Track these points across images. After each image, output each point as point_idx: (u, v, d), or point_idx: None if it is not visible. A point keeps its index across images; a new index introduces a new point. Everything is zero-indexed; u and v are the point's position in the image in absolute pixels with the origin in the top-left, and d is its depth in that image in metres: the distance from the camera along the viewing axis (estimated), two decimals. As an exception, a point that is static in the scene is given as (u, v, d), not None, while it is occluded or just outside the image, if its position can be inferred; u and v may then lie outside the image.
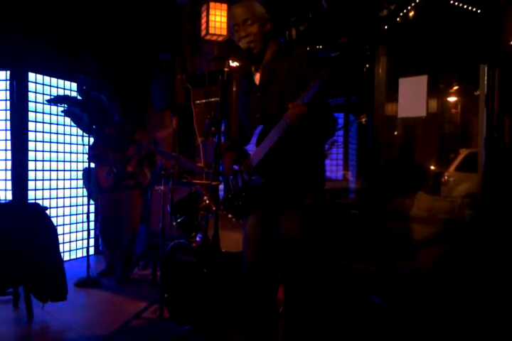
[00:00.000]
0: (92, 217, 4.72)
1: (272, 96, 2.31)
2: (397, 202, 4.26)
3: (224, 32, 4.90)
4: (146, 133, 4.60)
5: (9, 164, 4.99)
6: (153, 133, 4.59)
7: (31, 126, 5.08)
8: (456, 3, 3.90)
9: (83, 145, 4.91)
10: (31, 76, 5.08)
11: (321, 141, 2.37)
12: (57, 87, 5.42)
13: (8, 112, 4.99)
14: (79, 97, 5.39)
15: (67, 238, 5.47)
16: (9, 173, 4.99)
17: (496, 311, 2.85)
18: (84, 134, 5.26)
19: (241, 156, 2.40)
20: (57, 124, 5.42)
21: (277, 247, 2.33)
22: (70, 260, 5.44)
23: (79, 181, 5.56)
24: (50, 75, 5.32)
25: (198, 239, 3.38)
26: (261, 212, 2.39)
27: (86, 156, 4.69)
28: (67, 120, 5.39)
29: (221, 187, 4.07)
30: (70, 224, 5.55)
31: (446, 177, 6.58)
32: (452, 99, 6.77)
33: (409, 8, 4.11)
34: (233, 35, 2.41)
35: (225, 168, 2.51)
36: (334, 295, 3.31)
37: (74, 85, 5.55)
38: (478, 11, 3.81)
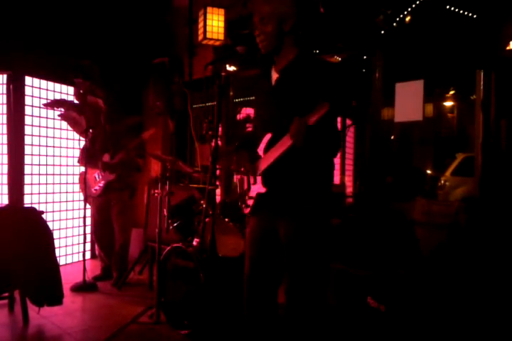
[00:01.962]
0: (88, 221, 4.72)
1: (284, 104, 2.25)
2: (394, 206, 4.26)
3: (221, 36, 4.92)
4: (134, 137, 4.59)
5: (5, 168, 4.98)
6: (141, 135, 4.58)
7: (28, 130, 5.07)
8: (453, 8, 3.92)
9: (80, 149, 4.92)
10: (28, 80, 5.08)
11: (324, 157, 2.30)
12: (54, 91, 5.42)
13: (5, 116, 4.98)
14: (76, 101, 5.40)
15: (63, 242, 5.46)
16: (5, 177, 4.98)
17: (492, 314, 2.85)
18: (81, 138, 5.27)
19: (252, 158, 2.38)
20: (54, 128, 5.41)
21: (278, 253, 2.31)
22: (66, 264, 5.43)
23: (75, 185, 5.55)
24: (47, 79, 5.31)
25: (194, 243, 3.38)
26: (262, 217, 2.38)
27: (76, 159, 4.70)
28: (64, 124, 5.38)
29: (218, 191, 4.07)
30: (67, 228, 5.54)
31: (442, 182, 6.60)
32: (449, 103, 6.79)
33: (405, 13, 4.12)
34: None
35: (231, 168, 2.48)
36: (331, 299, 3.30)
37: (71, 89, 5.55)
38: (475, 16, 3.83)
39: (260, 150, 2.34)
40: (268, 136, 2.30)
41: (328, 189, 2.34)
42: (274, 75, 2.35)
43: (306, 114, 2.02)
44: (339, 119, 6.35)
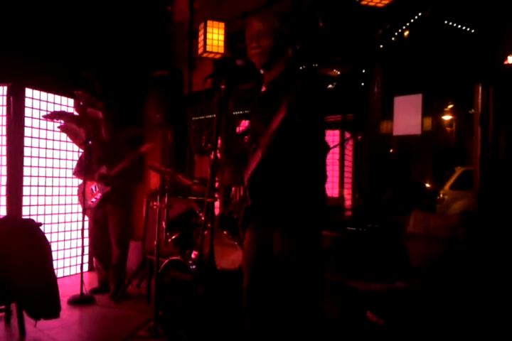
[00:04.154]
0: (86, 233, 4.70)
1: (268, 115, 2.28)
2: (393, 220, 4.26)
3: (221, 50, 4.95)
4: (132, 149, 4.60)
5: (4, 180, 4.98)
6: (139, 148, 4.59)
7: (27, 141, 5.07)
8: (451, 23, 3.95)
9: (77, 161, 4.93)
10: (28, 92, 5.10)
11: (306, 162, 2.28)
12: (54, 103, 5.43)
13: (5, 128, 4.99)
14: (75, 113, 5.41)
15: (61, 254, 5.43)
16: (4, 189, 4.97)
17: (492, 327, 2.84)
18: (81, 150, 5.27)
19: (241, 171, 2.41)
20: (54, 140, 5.41)
21: (275, 266, 2.31)
22: (64, 277, 5.40)
23: (74, 197, 5.54)
24: (47, 91, 5.33)
25: (193, 256, 3.37)
26: (257, 229, 2.38)
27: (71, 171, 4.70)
28: (64, 136, 5.39)
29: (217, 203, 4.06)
30: (65, 240, 5.52)
31: (441, 195, 6.61)
32: (447, 117, 6.82)
33: (404, 27, 4.16)
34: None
35: (224, 181, 2.50)
36: (330, 314, 3.28)
37: (71, 101, 5.56)
38: (472, 31, 3.86)
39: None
40: (252, 147, 2.35)
41: (321, 196, 2.35)
42: (263, 89, 2.43)
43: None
44: (338, 132, 6.38)
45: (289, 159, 2.22)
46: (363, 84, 4.59)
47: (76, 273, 5.35)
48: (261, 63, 2.36)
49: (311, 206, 2.29)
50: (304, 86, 2.08)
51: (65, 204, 5.56)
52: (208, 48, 4.92)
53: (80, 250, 4.62)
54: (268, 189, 2.27)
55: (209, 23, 4.93)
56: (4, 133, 4.99)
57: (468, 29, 3.87)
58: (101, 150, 4.72)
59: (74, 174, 4.92)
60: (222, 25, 4.97)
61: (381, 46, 4.23)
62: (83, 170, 4.55)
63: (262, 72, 2.42)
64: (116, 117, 4.87)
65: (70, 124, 5.15)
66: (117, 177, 4.59)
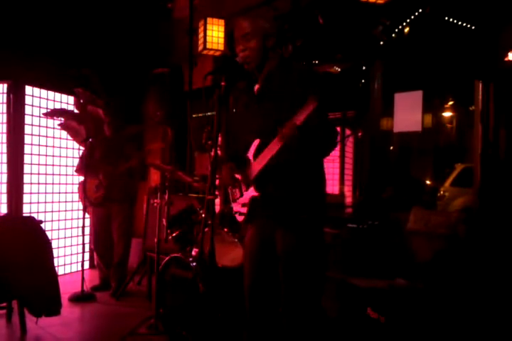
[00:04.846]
0: (87, 230, 4.70)
1: (268, 110, 2.30)
2: (393, 217, 4.26)
3: (221, 47, 4.94)
4: (137, 146, 4.59)
5: (5, 177, 4.98)
6: (146, 145, 4.59)
7: (27, 139, 5.07)
8: (451, 20, 3.95)
9: (79, 158, 4.93)
10: (28, 89, 5.09)
11: (318, 157, 2.34)
12: (54, 101, 5.43)
13: (5, 125, 4.99)
14: (76, 111, 5.41)
15: (62, 252, 5.44)
16: (4, 186, 4.98)
17: (492, 324, 2.84)
18: (81, 147, 5.27)
19: (239, 168, 2.40)
20: (54, 138, 5.41)
21: (277, 262, 2.32)
22: (65, 274, 5.40)
23: (74, 195, 5.54)
24: (47, 88, 5.32)
25: (193, 253, 3.37)
26: (259, 226, 2.38)
27: (74, 168, 4.70)
28: (64, 133, 5.38)
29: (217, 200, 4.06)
30: (65, 237, 5.52)
31: (441, 192, 6.60)
32: (447, 114, 6.81)
33: (404, 24, 4.15)
34: (233, 48, 2.40)
35: (223, 180, 2.50)
36: (331, 311, 3.29)
37: (71, 98, 5.56)
38: (473, 28, 3.86)
39: (250, 157, 2.36)
40: (256, 143, 2.33)
41: (323, 195, 2.36)
42: (256, 86, 2.41)
43: (292, 114, 2.05)
44: (338, 129, 6.38)
45: (306, 150, 2.21)
46: (363, 80, 4.59)
47: (77, 271, 5.35)
48: (252, 66, 2.33)
49: (313, 203, 2.29)
50: (320, 79, 2.10)
51: (66, 201, 5.56)
52: (208, 45, 4.91)
53: (80, 247, 4.62)
54: (277, 183, 2.27)
55: (209, 20, 4.92)
56: (4, 130, 4.99)
57: (468, 25, 3.87)
58: (104, 147, 4.71)
59: (76, 171, 4.92)
60: (222, 22, 4.97)
61: (381, 43, 4.23)
62: (84, 167, 4.55)
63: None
64: (117, 115, 4.87)
65: (71, 122, 5.15)
66: (123, 176, 4.58)
